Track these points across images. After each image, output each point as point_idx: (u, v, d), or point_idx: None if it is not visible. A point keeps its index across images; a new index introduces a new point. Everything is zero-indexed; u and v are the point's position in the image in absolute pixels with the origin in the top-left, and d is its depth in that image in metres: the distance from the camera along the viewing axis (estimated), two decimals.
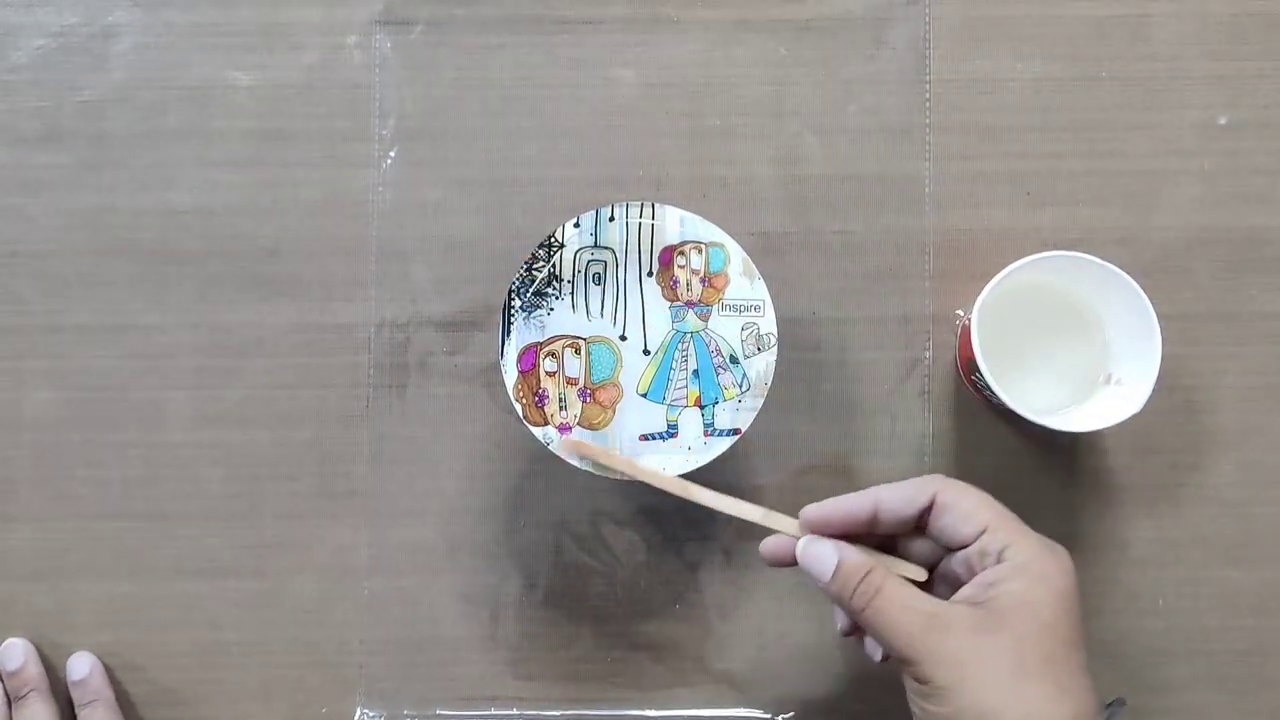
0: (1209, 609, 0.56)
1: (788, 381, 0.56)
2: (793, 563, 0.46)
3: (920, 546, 0.47)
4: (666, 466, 0.49)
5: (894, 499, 0.45)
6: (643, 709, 0.56)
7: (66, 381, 0.57)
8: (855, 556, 0.45)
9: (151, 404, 0.57)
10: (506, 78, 0.59)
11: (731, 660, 0.56)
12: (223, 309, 0.58)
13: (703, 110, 0.58)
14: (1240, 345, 0.57)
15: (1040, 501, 0.55)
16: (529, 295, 0.50)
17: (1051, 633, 0.42)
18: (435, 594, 0.57)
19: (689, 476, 0.49)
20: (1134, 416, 0.50)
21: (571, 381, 0.50)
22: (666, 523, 0.57)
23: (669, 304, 0.50)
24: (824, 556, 0.45)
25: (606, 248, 0.51)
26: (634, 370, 0.50)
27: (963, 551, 0.44)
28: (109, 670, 0.56)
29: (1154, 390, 0.51)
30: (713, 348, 0.50)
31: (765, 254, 0.57)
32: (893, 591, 0.43)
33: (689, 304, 0.50)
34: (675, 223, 0.51)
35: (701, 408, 0.50)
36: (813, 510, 0.46)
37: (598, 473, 0.49)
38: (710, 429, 0.50)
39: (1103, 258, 0.52)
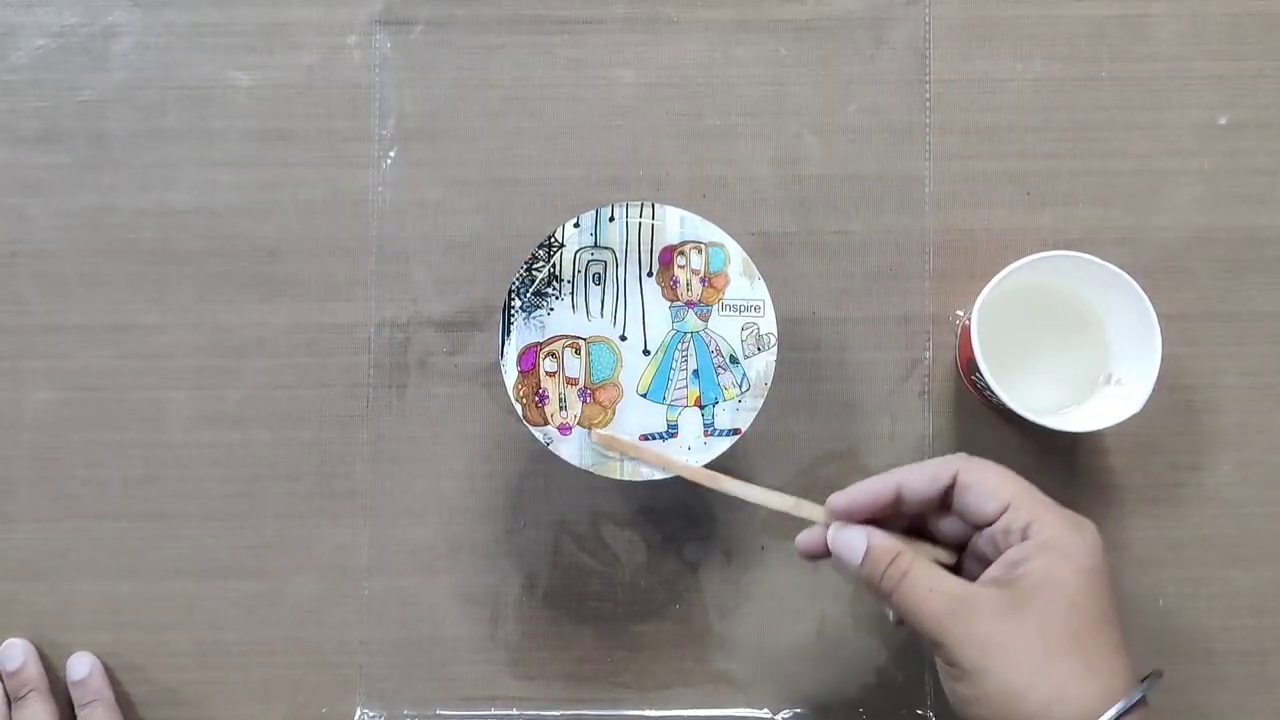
0: (1209, 609, 0.56)
1: (788, 381, 0.56)
2: (826, 554, 0.46)
3: (950, 524, 0.47)
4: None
5: (916, 480, 0.46)
6: (643, 709, 0.56)
7: (66, 381, 0.57)
8: (883, 540, 0.45)
9: (151, 404, 0.57)
10: (506, 78, 0.59)
11: (731, 660, 0.56)
12: (222, 309, 0.58)
13: (703, 110, 0.58)
14: (1240, 345, 0.57)
15: None
16: (529, 295, 0.50)
17: (1078, 611, 0.42)
18: (435, 594, 0.57)
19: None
20: (1134, 416, 0.50)
21: (571, 381, 0.50)
22: (666, 523, 0.57)
23: (669, 304, 0.50)
24: (854, 542, 0.45)
25: (606, 248, 0.51)
26: (634, 370, 0.50)
27: (988, 529, 0.44)
28: (109, 670, 0.56)
29: (1154, 390, 0.51)
30: (713, 348, 0.50)
31: (765, 254, 0.57)
32: (920, 574, 0.44)
33: (689, 304, 0.50)
34: (675, 223, 0.51)
35: (701, 408, 0.50)
36: (839, 497, 0.46)
37: (598, 472, 0.49)
38: (710, 429, 0.50)
39: (1103, 258, 0.52)
